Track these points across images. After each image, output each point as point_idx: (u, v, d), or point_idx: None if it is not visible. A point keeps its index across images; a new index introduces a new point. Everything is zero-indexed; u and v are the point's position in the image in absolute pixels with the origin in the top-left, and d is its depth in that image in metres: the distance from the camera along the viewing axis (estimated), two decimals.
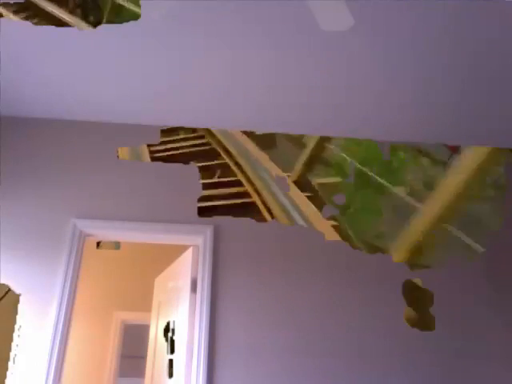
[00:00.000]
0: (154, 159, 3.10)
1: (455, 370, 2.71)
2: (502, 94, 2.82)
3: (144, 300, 4.44)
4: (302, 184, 3.13)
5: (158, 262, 4.33)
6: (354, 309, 2.81)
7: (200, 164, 3.13)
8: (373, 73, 2.70)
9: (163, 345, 3.24)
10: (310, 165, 3.19)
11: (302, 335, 2.74)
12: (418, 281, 2.89)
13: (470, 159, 3.26)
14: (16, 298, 2.62)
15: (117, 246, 4.82)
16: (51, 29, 2.40)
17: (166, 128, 3.21)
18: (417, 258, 2.97)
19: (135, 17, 2.32)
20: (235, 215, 2.99)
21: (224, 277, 2.84)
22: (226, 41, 2.49)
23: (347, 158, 3.22)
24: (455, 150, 3.26)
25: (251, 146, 3.22)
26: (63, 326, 2.62)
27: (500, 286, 2.93)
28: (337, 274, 2.89)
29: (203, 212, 2.97)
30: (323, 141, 3.27)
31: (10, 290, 2.64)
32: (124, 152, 3.11)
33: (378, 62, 2.61)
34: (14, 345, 2.55)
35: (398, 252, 2.98)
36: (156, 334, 3.49)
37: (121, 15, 2.32)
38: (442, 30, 2.37)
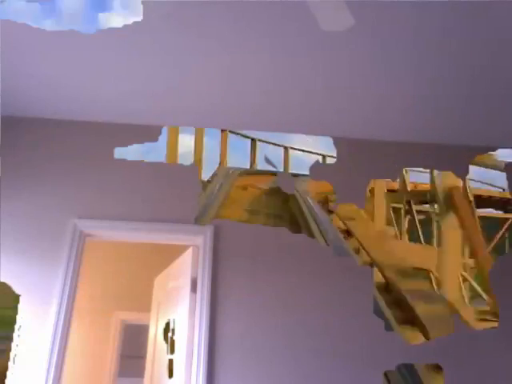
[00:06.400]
0: None
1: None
2: (509, 95, 2.82)
3: (144, 300, 4.43)
4: None
5: (158, 262, 4.32)
6: (355, 308, 2.81)
7: None
8: (375, 74, 2.70)
9: (163, 345, 3.24)
10: None
11: (302, 335, 2.74)
12: None
13: None
14: (16, 298, 2.62)
15: None
16: (51, 29, 2.41)
17: None
18: None
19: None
20: None
21: (224, 277, 2.84)
22: (225, 42, 2.49)
23: None
24: None
25: None
26: (63, 326, 2.62)
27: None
28: (338, 273, 2.89)
29: None
30: None
31: (10, 289, 2.64)
32: (124, 152, 3.11)
33: (379, 63, 2.61)
34: (13, 345, 2.55)
35: None
36: (156, 334, 3.49)
37: None
38: (446, 30, 2.37)
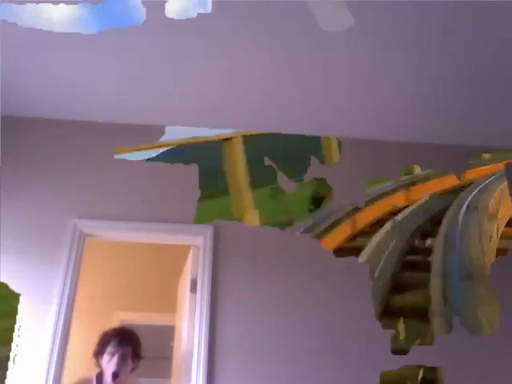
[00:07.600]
0: None
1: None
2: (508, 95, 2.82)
3: (144, 300, 4.44)
4: None
5: (157, 263, 4.33)
6: (355, 308, 2.80)
7: None
8: (375, 74, 2.70)
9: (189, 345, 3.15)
10: None
11: (302, 335, 2.73)
12: None
13: None
14: (16, 298, 2.62)
15: None
16: (52, 29, 2.41)
17: None
18: None
19: None
20: None
21: (224, 277, 2.83)
22: (225, 41, 2.49)
23: None
24: None
25: None
26: (63, 326, 2.62)
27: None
28: (338, 273, 2.88)
29: None
30: None
31: (10, 289, 2.63)
32: (124, 152, 3.11)
33: (379, 63, 2.61)
34: (13, 345, 2.55)
35: None
36: (181, 335, 3.43)
37: None
38: (446, 30, 2.37)
